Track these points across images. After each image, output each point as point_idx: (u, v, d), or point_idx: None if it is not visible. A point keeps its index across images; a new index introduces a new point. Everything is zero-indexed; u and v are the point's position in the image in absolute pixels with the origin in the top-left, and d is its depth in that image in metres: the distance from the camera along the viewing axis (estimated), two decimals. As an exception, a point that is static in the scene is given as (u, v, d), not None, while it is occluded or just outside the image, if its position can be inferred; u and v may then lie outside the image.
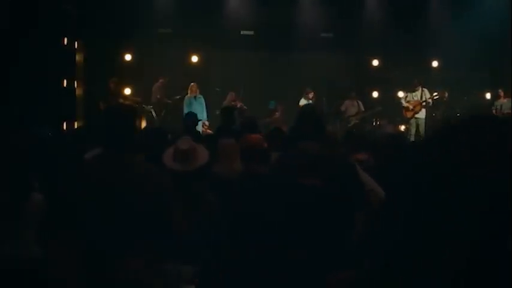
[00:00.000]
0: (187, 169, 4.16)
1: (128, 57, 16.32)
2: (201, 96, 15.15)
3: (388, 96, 17.19)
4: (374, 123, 16.80)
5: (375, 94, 17.53)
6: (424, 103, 15.48)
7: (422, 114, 15.52)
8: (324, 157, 3.74)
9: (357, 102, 16.50)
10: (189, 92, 15.05)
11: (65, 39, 14.03)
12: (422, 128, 15.21)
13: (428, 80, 17.13)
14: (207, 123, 14.57)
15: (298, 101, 15.67)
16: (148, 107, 15.54)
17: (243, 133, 5.72)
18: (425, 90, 15.68)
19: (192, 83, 15.06)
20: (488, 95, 17.11)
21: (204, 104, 14.98)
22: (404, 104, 15.77)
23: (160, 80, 15.84)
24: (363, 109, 16.51)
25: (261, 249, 3.70)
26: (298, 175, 3.58)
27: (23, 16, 11.99)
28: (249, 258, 3.74)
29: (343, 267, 3.53)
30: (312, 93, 15.70)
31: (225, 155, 4.73)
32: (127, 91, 15.79)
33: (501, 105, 15.68)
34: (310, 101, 15.64)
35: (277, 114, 15.87)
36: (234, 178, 4.45)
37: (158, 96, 15.71)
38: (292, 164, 3.69)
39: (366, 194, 3.95)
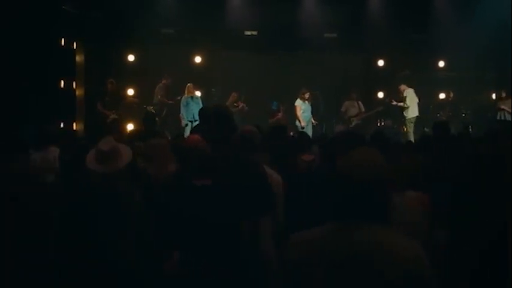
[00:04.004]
0: (110, 170, 4.10)
1: (130, 57, 16.33)
2: (198, 96, 15.10)
3: (393, 97, 16.98)
4: (378, 124, 16.65)
5: (380, 94, 17.33)
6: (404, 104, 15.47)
7: (405, 114, 15.52)
8: (222, 158, 3.66)
9: (357, 103, 16.30)
10: (186, 92, 15.02)
11: (63, 40, 14.06)
12: (409, 128, 15.30)
13: (435, 80, 16.97)
14: (204, 123, 14.48)
15: (294, 102, 15.57)
16: (150, 107, 15.50)
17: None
18: (409, 91, 15.58)
19: (188, 84, 15.02)
20: (493, 96, 16.83)
21: (201, 105, 14.87)
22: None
23: (163, 81, 15.79)
24: (364, 110, 16.31)
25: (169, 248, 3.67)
26: (192, 175, 3.52)
27: (21, 16, 12.06)
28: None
29: (238, 264, 3.46)
30: (308, 93, 15.53)
31: (156, 155, 4.65)
32: (130, 92, 15.84)
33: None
34: (306, 102, 15.51)
35: (280, 114, 15.77)
36: (164, 179, 4.37)
37: (159, 97, 15.67)
38: (187, 165, 3.62)
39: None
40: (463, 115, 16.31)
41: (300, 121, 15.31)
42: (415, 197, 3.91)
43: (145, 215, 3.96)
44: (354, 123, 15.82)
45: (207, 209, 3.44)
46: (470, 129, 14.62)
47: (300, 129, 14.66)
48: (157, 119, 15.19)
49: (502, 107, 15.12)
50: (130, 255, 3.65)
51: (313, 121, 15.73)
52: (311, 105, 15.67)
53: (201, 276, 3.45)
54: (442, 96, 16.61)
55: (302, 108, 15.42)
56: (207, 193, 3.47)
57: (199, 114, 4.24)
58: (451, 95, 16.42)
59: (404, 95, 15.45)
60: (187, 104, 14.75)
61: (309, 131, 14.54)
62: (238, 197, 3.50)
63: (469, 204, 3.74)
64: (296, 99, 15.64)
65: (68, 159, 5.09)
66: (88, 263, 3.58)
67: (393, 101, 15.73)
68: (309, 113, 15.52)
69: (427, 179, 4.09)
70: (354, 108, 16.23)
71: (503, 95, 15.24)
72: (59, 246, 3.73)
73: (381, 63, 17.39)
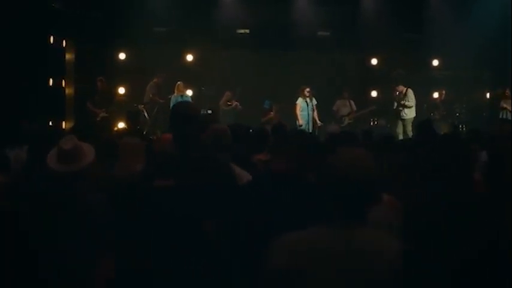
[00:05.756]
0: (72, 170, 3.98)
1: (121, 56, 16.22)
2: (188, 95, 15.01)
3: (387, 95, 16.87)
4: (372, 123, 16.52)
5: (374, 93, 17.20)
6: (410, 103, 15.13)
7: (404, 114, 15.10)
8: (186, 157, 3.55)
9: (349, 102, 16.11)
10: (175, 91, 14.93)
11: (52, 38, 13.95)
12: (408, 129, 14.85)
13: (429, 80, 16.87)
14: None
15: (295, 101, 15.32)
16: (141, 106, 15.38)
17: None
18: (410, 90, 15.24)
19: (178, 82, 14.92)
20: (488, 95, 16.71)
21: (190, 104, 14.76)
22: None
23: (155, 79, 15.67)
24: (355, 109, 16.12)
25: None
26: (156, 176, 3.44)
27: (9, 14, 11.95)
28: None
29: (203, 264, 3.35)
30: (308, 89, 15.20)
31: (126, 154, 4.53)
32: (120, 90, 15.75)
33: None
34: (308, 99, 15.20)
35: (272, 113, 15.64)
36: (131, 179, 4.24)
37: (151, 95, 15.55)
38: (153, 165, 3.53)
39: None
40: (457, 114, 16.21)
41: (298, 119, 15.09)
42: (386, 201, 3.78)
43: (107, 215, 3.84)
44: (345, 122, 15.65)
45: (169, 209, 3.35)
46: (462, 129, 14.53)
47: (298, 128, 14.46)
48: (147, 117, 15.19)
49: (505, 105, 14.92)
50: (87, 256, 3.55)
51: (319, 121, 15.30)
52: (313, 104, 15.29)
53: (165, 278, 3.36)
54: (435, 95, 16.47)
55: (301, 106, 15.12)
56: (169, 194, 3.38)
57: (170, 114, 4.10)
58: (443, 93, 16.26)
59: (408, 94, 15.11)
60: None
61: (308, 130, 14.27)
62: (201, 197, 3.41)
63: (449, 207, 3.64)
64: (288, 97, 15.53)
65: (28, 158, 5.00)
66: (42, 267, 3.48)
67: (400, 101, 15.28)
68: (307, 111, 15.13)
69: (408, 180, 4.00)
70: (345, 107, 16.05)
71: (507, 93, 14.99)
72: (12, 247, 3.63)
73: (374, 62, 17.25)
